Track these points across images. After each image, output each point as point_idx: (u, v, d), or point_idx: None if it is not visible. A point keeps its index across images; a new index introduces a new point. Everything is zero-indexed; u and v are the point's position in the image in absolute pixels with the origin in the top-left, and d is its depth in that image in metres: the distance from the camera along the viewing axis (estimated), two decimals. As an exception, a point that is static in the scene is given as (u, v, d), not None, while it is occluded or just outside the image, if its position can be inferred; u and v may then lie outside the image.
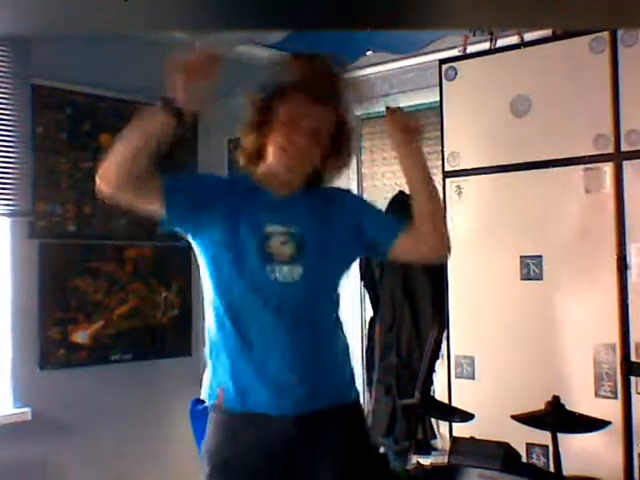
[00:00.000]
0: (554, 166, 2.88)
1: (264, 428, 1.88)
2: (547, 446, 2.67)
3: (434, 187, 1.99)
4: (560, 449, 2.39)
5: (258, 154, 1.96)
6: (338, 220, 1.97)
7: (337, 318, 2.01)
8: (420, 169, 1.94)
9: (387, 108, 1.97)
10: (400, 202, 3.49)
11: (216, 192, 1.95)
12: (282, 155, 1.90)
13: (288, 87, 1.93)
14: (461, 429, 2.86)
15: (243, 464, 1.90)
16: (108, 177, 1.82)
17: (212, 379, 1.95)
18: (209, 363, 1.97)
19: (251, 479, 1.90)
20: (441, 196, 2.09)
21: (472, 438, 2.60)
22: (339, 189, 2.10)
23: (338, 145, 1.97)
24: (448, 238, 1.98)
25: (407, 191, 2.00)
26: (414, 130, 1.94)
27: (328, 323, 1.97)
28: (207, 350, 1.98)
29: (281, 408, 1.88)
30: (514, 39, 3.06)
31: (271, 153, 1.92)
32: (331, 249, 1.95)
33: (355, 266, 3.57)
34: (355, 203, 2.09)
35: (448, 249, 2.00)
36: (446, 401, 3.09)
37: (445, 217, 2.05)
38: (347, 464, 1.91)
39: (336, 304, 2.01)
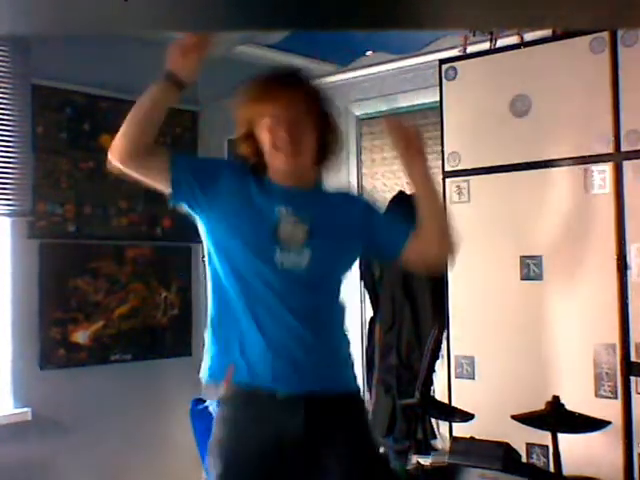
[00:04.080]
0: (554, 166, 2.88)
1: (274, 406, 1.90)
2: (547, 446, 2.67)
3: (437, 192, 2.05)
4: (560, 449, 2.39)
5: (261, 159, 1.99)
6: (348, 215, 2.02)
7: (341, 313, 2.05)
8: (424, 176, 1.98)
9: (384, 117, 2.00)
10: (400, 202, 3.49)
11: (226, 175, 1.99)
12: (276, 153, 1.94)
13: (254, 90, 1.97)
14: (461, 429, 2.86)
15: (253, 451, 1.91)
16: (118, 149, 1.91)
17: (217, 356, 1.97)
18: (211, 343, 1.99)
19: (262, 464, 1.91)
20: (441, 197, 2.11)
21: (472, 438, 2.59)
22: (352, 192, 2.23)
23: (325, 128, 2.00)
24: (454, 240, 2.01)
25: (408, 191, 2.03)
26: (413, 136, 1.96)
27: (332, 313, 2.02)
28: (209, 330, 2.01)
29: (291, 386, 1.91)
30: (514, 39, 3.06)
31: (268, 155, 1.96)
32: (339, 239, 1.98)
33: (355, 266, 3.56)
34: (366, 204, 2.12)
35: (454, 251, 2.03)
36: (446, 401, 3.09)
37: (449, 219, 2.05)
38: (356, 451, 1.93)
39: (339, 297, 2.04)
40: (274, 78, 1.98)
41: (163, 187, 1.96)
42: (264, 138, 1.94)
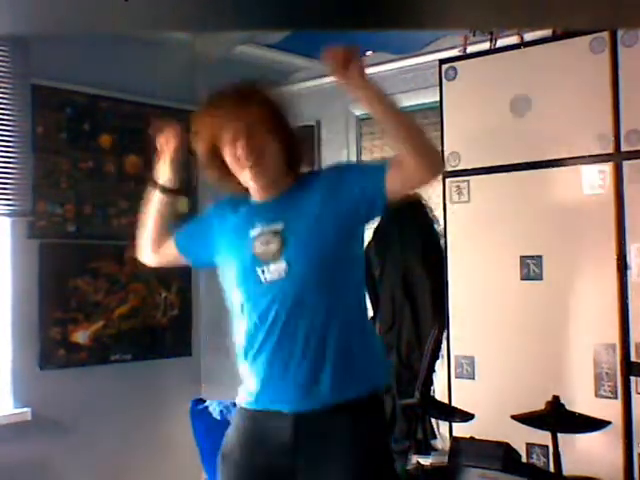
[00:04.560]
0: (554, 166, 2.88)
1: (268, 425, 1.94)
2: (547, 446, 2.67)
3: (393, 107, 1.88)
4: (560, 449, 2.39)
5: (230, 177, 2.02)
6: (315, 202, 1.94)
7: (339, 306, 1.94)
8: (372, 96, 1.85)
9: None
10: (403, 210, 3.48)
11: (212, 223, 2.12)
12: (241, 169, 1.96)
13: (206, 112, 1.99)
14: (461, 429, 2.86)
15: (245, 460, 1.96)
16: (141, 253, 2.27)
17: (241, 381, 2.04)
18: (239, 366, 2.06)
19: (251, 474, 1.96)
20: (410, 118, 1.94)
21: (472, 438, 2.60)
22: (327, 168, 2.16)
23: (286, 133, 1.98)
24: (435, 153, 1.91)
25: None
26: (349, 58, 1.81)
27: (322, 316, 1.91)
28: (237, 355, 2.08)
29: (279, 405, 1.91)
30: (514, 39, 3.06)
31: (236, 172, 1.98)
32: (313, 236, 1.92)
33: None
34: (330, 174, 2.03)
35: (438, 165, 1.96)
36: (446, 401, 3.09)
37: (423, 134, 1.89)
38: (351, 464, 1.90)
39: (335, 291, 1.93)
40: (222, 97, 1.97)
41: (183, 263, 2.26)
42: (228, 159, 1.97)
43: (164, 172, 2.16)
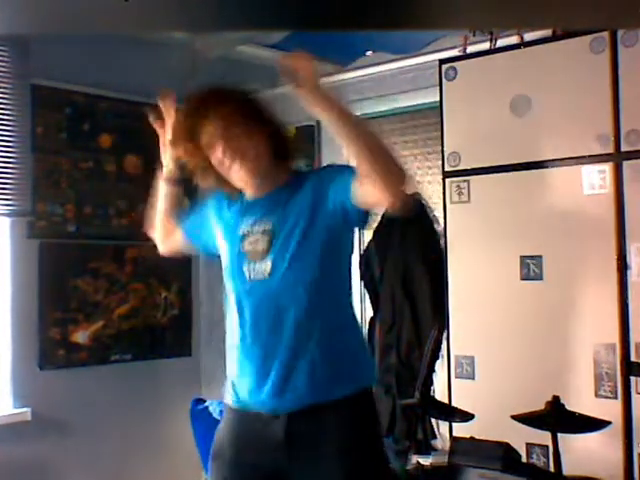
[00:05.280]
0: (554, 166, 2.88)
1: (255, 425, 1.93)
2: (547, 446, 2.67)
3: (355, 127, 1.77)
4: (560, 449, 2.39)
5: (224, 181, 2.01)
6: (303, 204, 1.92)
7: (323, 307, 1.92)
8: (324, 106, 1.76)
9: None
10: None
11: (209, 213, 2.14)
12: (227, 169, 1.94)
13: (186, 117, 1.98)
14: (461, 429, 2.86)
15: (235, 459, 1.97)
16: (155, 238, 2.28)
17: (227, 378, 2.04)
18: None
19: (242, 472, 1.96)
20: (370, 131, 1.80)
21: (472, 438, 2.59)
22: (319, 169, 2.12)
23: (269, 130, 1.96)
24: (396, 173, 1.75)
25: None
26: (302, 68, 1.72)
27: (305, 316, 1.89)
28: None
29: (260, 406, 1.92)
30: (514, 39, 3.06)
31: (223, 173, 1.97)
32: (299, 238, 1.89)
33: (355, 266, 3.57)
34: (320, 177, 1.98)
35: (399, 184, 1.75)
36: (446, 401, 3.09)
37: (385, 152, 1.75)
38: (341, 464, 1.88)
39: (318, 292, 1.90)
40: (201, 100, 1.95)
41: (195, 251, 2.32)
42: (215, 164, 1.95)
43: (165, 161, 2.18)
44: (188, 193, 2.24)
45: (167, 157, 2.17)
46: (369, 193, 1.77)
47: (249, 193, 2.01)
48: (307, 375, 1.88)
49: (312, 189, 1.93)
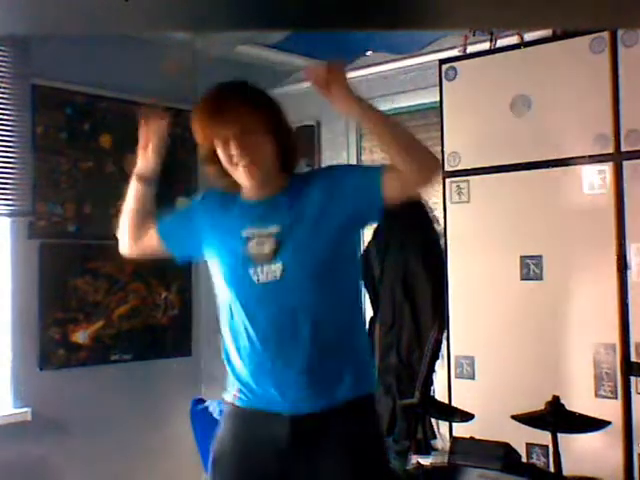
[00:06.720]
0: (554, 166, 2.88)
1: (262, 426, 1.92)
2: (547, 446, 2.67)
3: (380, 116, 1.90)
4: (560, 449, 2.39)
5: (226, 175, 2.00)
6: (313, 204, 1.92)
7: (334, 308, 1.93)
8: (361, 113, 1.87)
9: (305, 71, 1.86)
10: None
11: (197, 216, 2.10)
12: (235, 169, 1.94)
13: (201, 112, 1.96)
14: (461, 429, 2.86)
15: (240, 461, 1.95)
16: (122, 242, 2.19)
17: (229, 379, 2.00)
18: (226, 364, 2.02)
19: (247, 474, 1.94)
20: (397, 124, 1.93)
21: (472, 438, 2.59)
22: (321, 169, 2.11)
23: (279, 133, 1.96)
24: (430, 158, 1.88)
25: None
26: (331, 76, 1.85)
27: (316, 318, 1.89)
28: (222, 353, 2.04)
29: (275, 406, 1.90)
30: (514, 39, 3.06)
31: (230, 172, 1.96)
32: (310, 239, 1.90)
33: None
34: (328, 176, 2.01)
35: (435, 168, 1.93)
36: (446, 401, 3.09)
37: (416, 141, 1.89)
38: (344, 468, 1.88)
39: (329, 293, 1.92)
40: (216, 96, 1.96)
41: (166, 254, 2.16)
42: (221, 157, 1.95)
43: (145, 160, 2.15)
44: (168, 194, 2.22)
45: (149, 156, 2.15)
46: (404, 181, 1.85)
47: (250, 195, 2.00)
48: (321, 377, 1.89)
49: (322, 190, 1.93)
